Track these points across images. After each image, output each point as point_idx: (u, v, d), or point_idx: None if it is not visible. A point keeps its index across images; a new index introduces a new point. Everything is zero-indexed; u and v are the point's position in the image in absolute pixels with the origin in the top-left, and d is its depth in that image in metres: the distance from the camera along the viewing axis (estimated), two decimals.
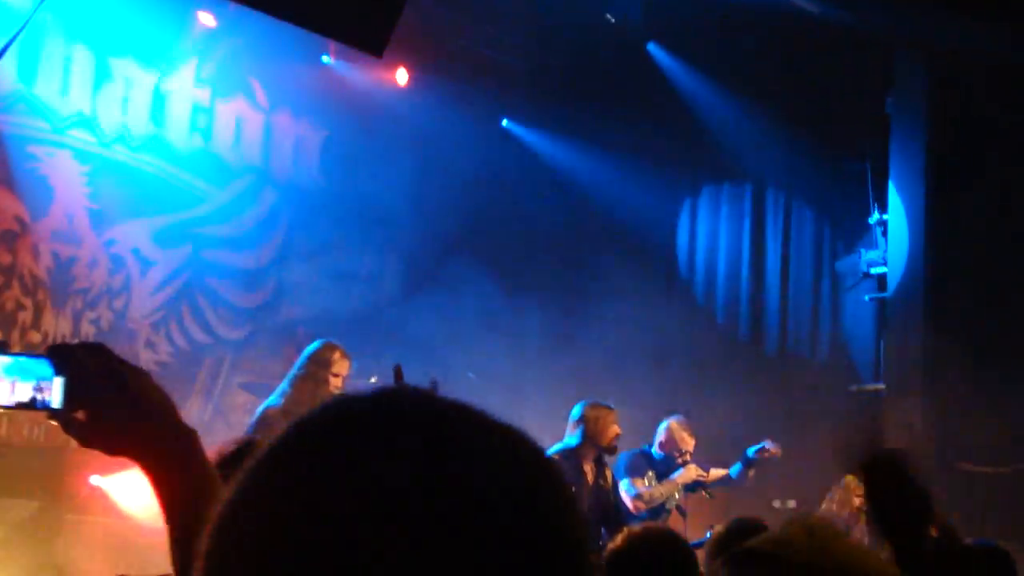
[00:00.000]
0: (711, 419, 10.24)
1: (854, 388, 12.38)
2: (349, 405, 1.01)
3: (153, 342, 10.66)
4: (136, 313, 10.60)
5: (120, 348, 1.89)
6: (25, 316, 9.85)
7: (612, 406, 8.36)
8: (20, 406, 1.85)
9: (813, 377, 12.75)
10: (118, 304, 10.49)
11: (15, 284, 9.87)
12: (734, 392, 12.00)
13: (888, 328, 11.78)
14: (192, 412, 10.56)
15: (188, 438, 1.80)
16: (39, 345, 9.81)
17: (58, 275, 10.12)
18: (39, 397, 1.83)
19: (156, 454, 1.78)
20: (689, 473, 8.74)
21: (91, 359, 1.79)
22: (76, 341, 1.88)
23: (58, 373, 1.80)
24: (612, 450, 8.32)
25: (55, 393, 1.81)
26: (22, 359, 1.86)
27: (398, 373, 3.69)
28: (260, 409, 7.64)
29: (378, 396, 1.02)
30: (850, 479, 7.72)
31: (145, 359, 10.42)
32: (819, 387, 12.61)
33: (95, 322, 10.26)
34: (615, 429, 8.23)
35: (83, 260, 10.30)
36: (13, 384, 1.86)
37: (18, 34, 7.97)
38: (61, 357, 1.80)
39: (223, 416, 10.70)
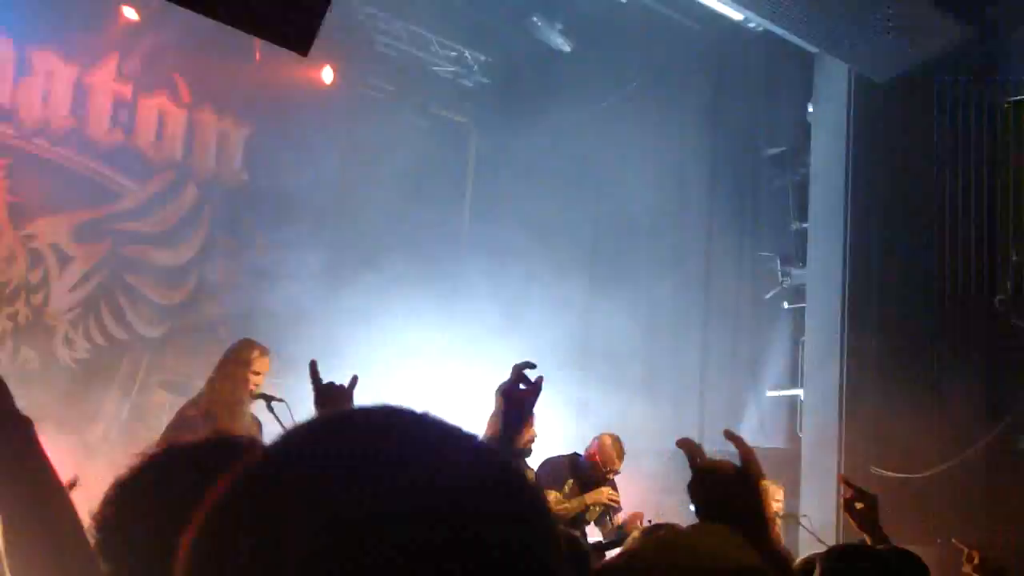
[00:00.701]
0: (630, 424, 10.28)
1: (773, 395, 12.52)
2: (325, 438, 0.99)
3: (71, 338, 10.52)
4: (54, 309, 10.45)
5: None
6: None
7: None
8: None
9: (732, 383, 12.85)
10: (36, 300, 10.34)
11: None
12: (653, 398, 12.06)
13: (807, 335, 11.89)
14: (110, 411, 10.44)
15: (22, 429, 1.74)
16: None
17: None
18: None
19: None
20: (599, 495, 8.69)
21: None
22: None
23: None
24: (526, 453, 8.30)
25: None
26: None
27: (313, 370, 3.70)
28: (179, 409, 7.57)
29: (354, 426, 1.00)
30: (766, 484, 7.81)
31: (63, 356, 10.29)
32: (738, 393, 12.73)
33: (12, 317, 10.11)
34: (531, 432, 8.22)
35: (0, 254, 10.15)
36: None
37: None
38: None
39: (141, 415, 10.56)
